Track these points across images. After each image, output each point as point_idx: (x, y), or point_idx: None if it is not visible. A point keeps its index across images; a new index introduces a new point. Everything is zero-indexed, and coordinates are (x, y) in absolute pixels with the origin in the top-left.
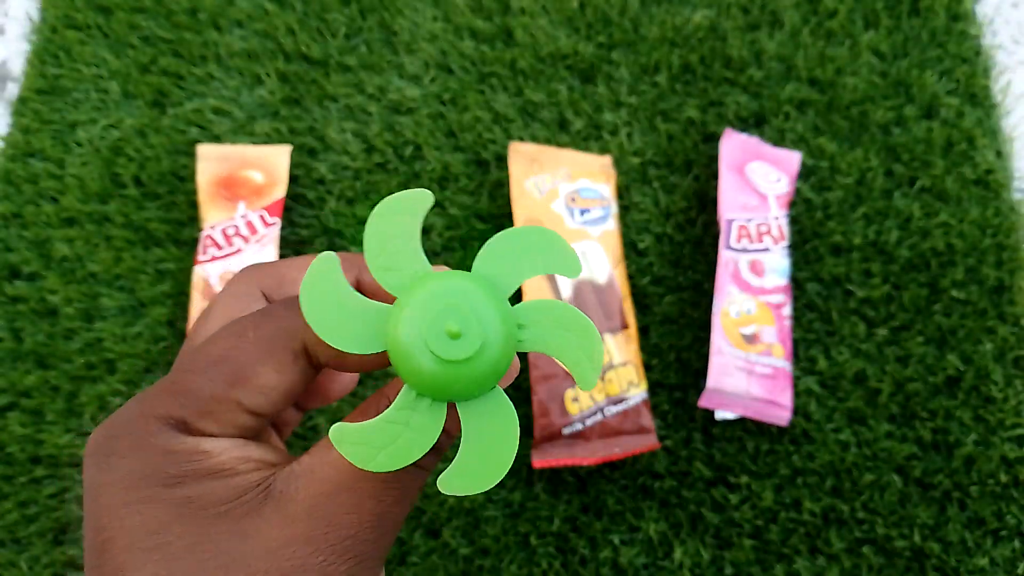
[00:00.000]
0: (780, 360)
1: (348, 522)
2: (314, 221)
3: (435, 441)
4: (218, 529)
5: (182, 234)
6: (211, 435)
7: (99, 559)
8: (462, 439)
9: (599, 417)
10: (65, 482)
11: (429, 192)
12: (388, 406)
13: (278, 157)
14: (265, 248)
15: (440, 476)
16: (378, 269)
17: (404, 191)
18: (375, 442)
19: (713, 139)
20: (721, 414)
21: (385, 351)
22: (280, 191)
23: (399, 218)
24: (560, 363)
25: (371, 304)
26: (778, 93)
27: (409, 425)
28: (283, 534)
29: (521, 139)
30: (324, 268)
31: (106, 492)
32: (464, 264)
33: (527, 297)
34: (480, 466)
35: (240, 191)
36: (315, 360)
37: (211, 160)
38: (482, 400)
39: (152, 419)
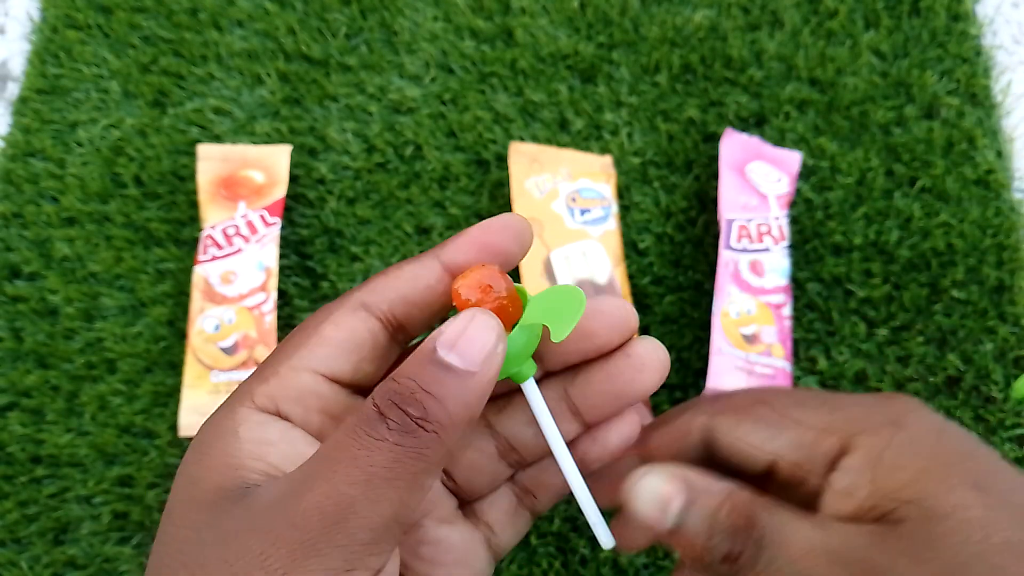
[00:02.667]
0: (780, 360)
1: (292, 520)
2: (314, 221)
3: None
4: (199, 517)
5: (182, 234)
6: (274, 404)
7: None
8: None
9: None
10: (65, 482)
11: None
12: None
13: (278, 157)
14: (265, 248)
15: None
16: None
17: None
18: None
19: (713, 139)
20: None
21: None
22: (280, 191)
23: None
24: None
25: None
26: (778, 93)
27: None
28: (237, 533)
29: (521, 139)
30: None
31: (175, 482)
32: None
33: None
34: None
35: (240, 191)
36: (375, 312)
37: (211, 160)
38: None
39: (239, 394)
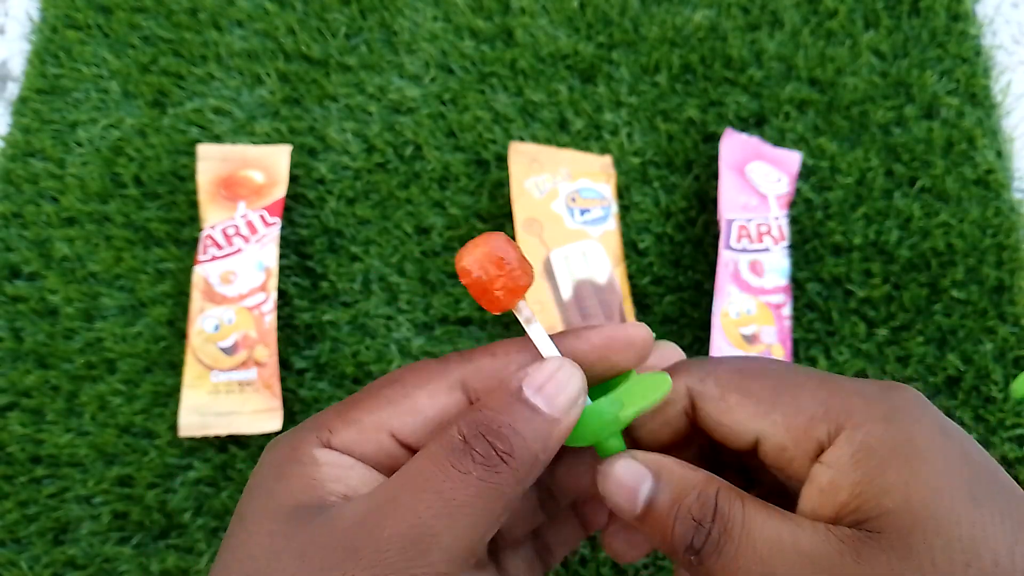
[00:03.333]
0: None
1: (365, 544)
2: (314, 221)
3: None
4: (277, 527)
5: (182, 234)
6: (348, 449)
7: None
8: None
9: None
10: (65, 482)
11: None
12: None
13: (278, 157)
14: (265, 248)
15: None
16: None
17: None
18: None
19: (713, 139)
20: None
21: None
22: (280, 191)
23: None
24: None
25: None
26: (778, 93)
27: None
28: (317, 548)
29: (521, 139)
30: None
31: (251, 476)
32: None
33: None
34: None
35: (240, 191)
36: (472, 396)
37: (211, 160)
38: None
39: (316, 424)
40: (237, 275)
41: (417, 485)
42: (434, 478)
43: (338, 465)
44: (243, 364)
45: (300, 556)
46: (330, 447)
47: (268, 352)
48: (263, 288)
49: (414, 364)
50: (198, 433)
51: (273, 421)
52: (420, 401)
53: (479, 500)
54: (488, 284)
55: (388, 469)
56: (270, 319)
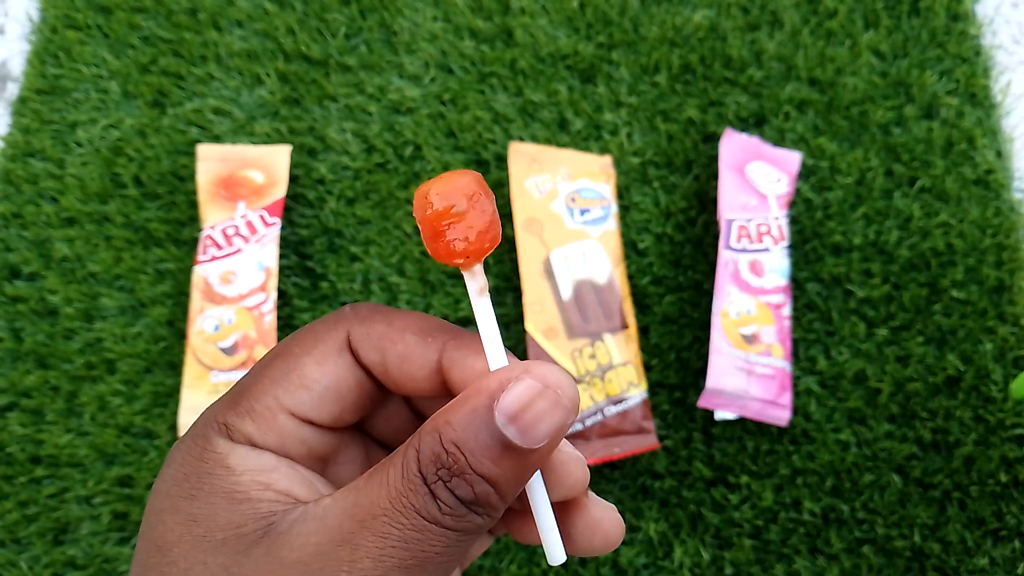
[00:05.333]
0: (780, 360)
1: None
2: (314, 221)
3: None
4: (214, 559)
5: (182, 234)
6: (251, 443)
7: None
8: None
9: (599, 417)
10: (65, 482)
11: None
12: None
13: (278, 157)
14: (265, 248)
15: None
16: None
17: None
18: None
19: (713, 139)
20: (721, 414)
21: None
22: (280, 191)
23: None
24: None
25: None
26: (778, 93)
27: None
28: None
29: (521, 139)
30: None
31: (152, 494)
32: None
33: (527, 298)
34: None
35: (240, 191)
36: (361, 359)
37: (211, 160)
38: None
39: (211, 422)
40: (237, 275)
41: (377, 530)
42: (397, 524)
43: (257, 470)
44: (243, 364)
45: None
46: (234, 442)
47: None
48: (263, 288)
49: (299, 330)
50: None
51: None
52: (308, 371)
53: (450, 551)
54: (446, 226)
55: (304, 457)
56: (270, 319)
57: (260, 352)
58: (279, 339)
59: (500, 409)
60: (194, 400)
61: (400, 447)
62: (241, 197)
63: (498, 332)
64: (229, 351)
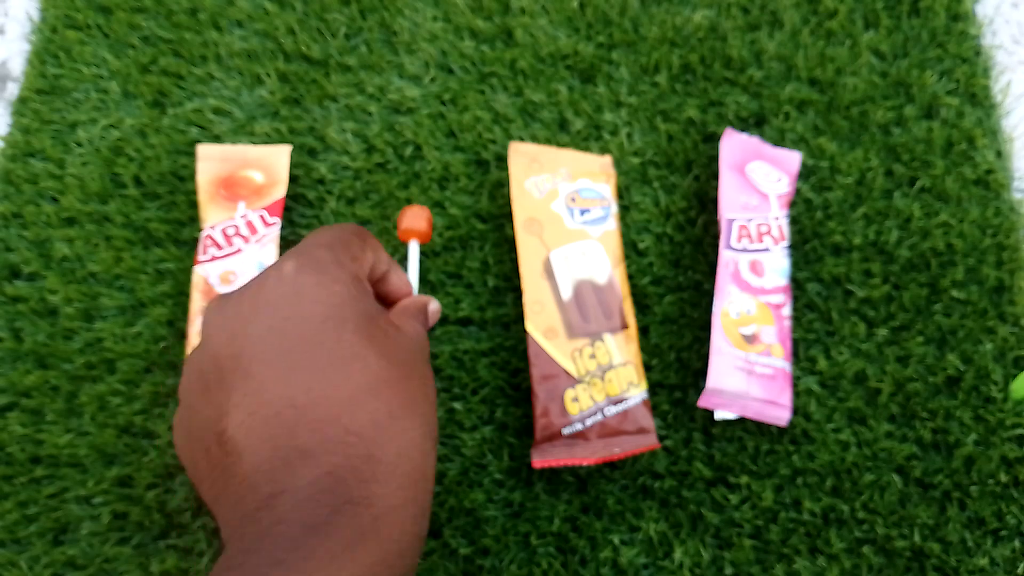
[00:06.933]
0: (780, 360)
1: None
2: (314, 221)
3: None
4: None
5: (182, 234)
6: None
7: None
8: None
9: (599, 417)
10: (65, 482)
11: None
12: None
13: (278, 157)
14: (265, 248)
15: None
16: None
17: None
18: None
19: (713, 139)
20: (721, 414)
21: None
22: (280, 191)
23: None
24: None
25: None
26: (778, 93)
27: None
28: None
29: (521, 139)
30: None
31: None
32: (464, 264)
33: (527, 298)
34: None
35: (240, 191)
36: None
37: (211, 160)
38: None
39: (341, 265)
40: (237, 275)
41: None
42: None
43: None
44: None
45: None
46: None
47: None
48: None
49: (331, 245)
50: None
51: None
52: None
53: (422, 329)
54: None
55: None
56: None
57: None
58: None
59: (430, 312)
60: None
61: (403, 309)
62: (241, 197)
63: (417, 271)
64: None
